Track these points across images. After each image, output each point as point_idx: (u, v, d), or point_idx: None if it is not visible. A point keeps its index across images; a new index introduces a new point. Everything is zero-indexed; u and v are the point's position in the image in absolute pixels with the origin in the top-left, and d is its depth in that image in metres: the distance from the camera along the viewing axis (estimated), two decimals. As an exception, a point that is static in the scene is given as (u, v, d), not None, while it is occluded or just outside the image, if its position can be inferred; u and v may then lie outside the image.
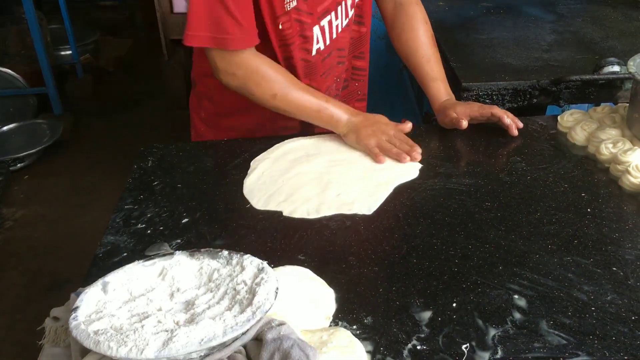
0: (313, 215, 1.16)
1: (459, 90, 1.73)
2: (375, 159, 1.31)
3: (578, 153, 1.33)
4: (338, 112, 1.35)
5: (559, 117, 1.43)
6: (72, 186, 3.45)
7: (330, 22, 1.37)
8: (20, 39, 4.02)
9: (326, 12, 1.36)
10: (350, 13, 1.42)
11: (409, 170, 1.29)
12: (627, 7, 2.26)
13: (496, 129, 1.45)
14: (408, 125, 1.38)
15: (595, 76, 1.65)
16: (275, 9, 1.29)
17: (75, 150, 3.82)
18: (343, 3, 1.38)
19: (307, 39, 1.36)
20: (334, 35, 1.40)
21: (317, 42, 1.38)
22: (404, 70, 2.84)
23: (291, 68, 1.39)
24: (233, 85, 1.33)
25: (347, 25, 1.42)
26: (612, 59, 1.66)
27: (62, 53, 4.49)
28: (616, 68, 1.64)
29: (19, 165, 3.59)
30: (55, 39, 4.28)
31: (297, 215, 1.16)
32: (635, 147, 1.24)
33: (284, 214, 1.17)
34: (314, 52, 1.39)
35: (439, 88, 1.49)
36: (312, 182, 1.26)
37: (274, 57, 1.36)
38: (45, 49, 3.82)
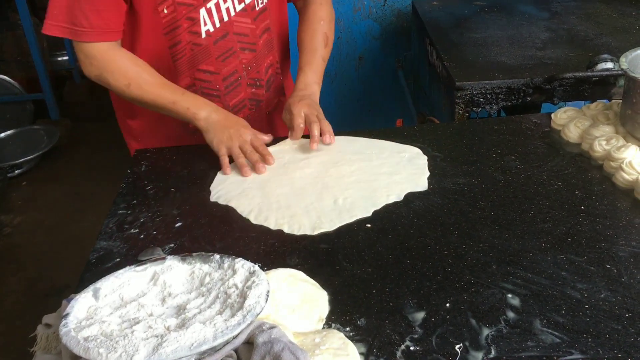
0: (317, 231, 1.12)
1: (453, 90, 1.73)
2: (222, 168, 1.31)
3: (572, 150, 1.33)
4: (194, 105, 1.36)
5: (552, 115, 1.43)
6: (70, 192, 3.45)
7: (217, 4, 1.39)
8: (16, 45, 4.02)
9: None
10: (248, 0, 1.43)
11: (418, 178, 1.25)
12: (620, 3, 2.26)
13: (489, 127, 1.44)
14: (267, 138, 1.37)
15: (589, 73, 1.65)
16: None
17: (73, 156, 3.83)
18: None
19: (195, 21, 1.38)
20: (225, 18, 1.41)
21: (205, 24, 1.39)
22: (399, 70, 2.84)
23: (181, 54, 1.40)
24: (92, 75, 1.36)
25: (243, 10, 1.43)
26: (605, 55, 1.66)
27: (59, 59, 4.50)
28: (610, 65, 1.64)
29: (16, 171, 3.59)
30: (51, 45, 4.28)
31: (300, 232, 1.12)
32: (629, 144, 1.24)
33: (286, 231, 1.13)
34: (203, 35, 1.40)
35: (299, 77, 1.49)
36: (307, 188, 1.25)
37: (161, 45, 1.38)
38: (41, 54, 3.82)
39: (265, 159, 1.32)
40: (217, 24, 1.40)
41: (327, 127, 1.38)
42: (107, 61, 1.34)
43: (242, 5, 1.42)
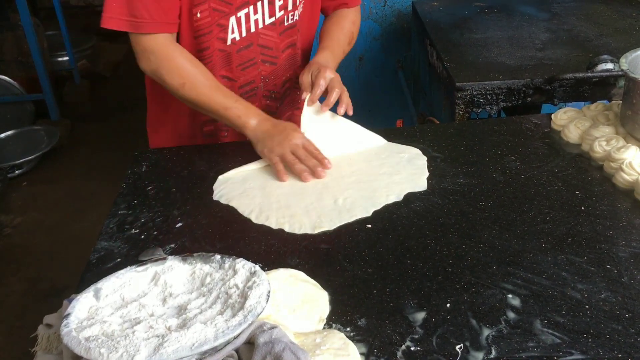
0: (317, 230, 1.12)
1: (453, 90, 1.74)
2: (278, 175, 1.28)
3: (572, 151, 1.33)
4: (246, 114, 1.34)
5: (552, 116, 1.43)
6: (70, 192, 3.45)
7: (247, 15, 1.38)
8: (17, 45, 4.02)
9: (244, 5, 1.37)
10: (279, 14, 1.42)
11: (417, 179, 1.25)
12: (620, 4, 2.26)
13: (489, 128, 1.45)
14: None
15: (589, 74, 1.65)
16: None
17: (73, 156, 3.83)
18: (265, 0, 1.39)
19: (223, 28, 1.37)
20: (252, 29, 1.41)
21: (232, 31, 1.39)
22: (399, 71, 2.84)
23: (208, 59, 1.40)
24: (148, 70, 1.35)
25: (272, 24, 1.43)
26: (605, 56, 1.66)
27: (59, 59, 4.50)
28: (610, 65, 1.64)
29: (17, 172, 3.59)
30: (51, 45, 4.29)
31: (300, 232, 1.12)
32: (629, 145, 1.24)
33: (287, 230, 1.13)
34: (228, 42, 1.40)
35: (320, 53, 1.46)
36: (307, 188, 1.24)
37: (190, 48, 1.37)
38: (41, 55, 3.82)
39: (322, 163, 1.29)
40: (244, 34, 1.40)
41: (347, 98, 1.35)
42: (165, 58, 1.32)
43: (273, 19, 1.42)
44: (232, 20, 1.37)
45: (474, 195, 1.19)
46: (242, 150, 1.41)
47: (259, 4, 1.38)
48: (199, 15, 1.33)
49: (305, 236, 1.11)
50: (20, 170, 3.60)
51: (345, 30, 1.54)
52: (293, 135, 1.30)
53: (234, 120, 1.35)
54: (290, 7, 1.43)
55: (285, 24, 1.45)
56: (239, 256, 0.93)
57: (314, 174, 1.27)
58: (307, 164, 1.28)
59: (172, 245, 1.10)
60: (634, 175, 1.17)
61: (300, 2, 1.45)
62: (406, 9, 2.73)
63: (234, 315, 0.80)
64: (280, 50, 1.47)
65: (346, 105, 1.34)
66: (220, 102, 1.34)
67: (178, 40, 1.37)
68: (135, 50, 1.34)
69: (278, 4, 1.40)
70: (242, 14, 1.37)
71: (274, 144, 1.30)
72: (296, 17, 1.47)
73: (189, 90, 1.33)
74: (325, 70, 1.35)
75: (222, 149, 1.46)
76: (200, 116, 1.48)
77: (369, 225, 1.13)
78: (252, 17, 1.39)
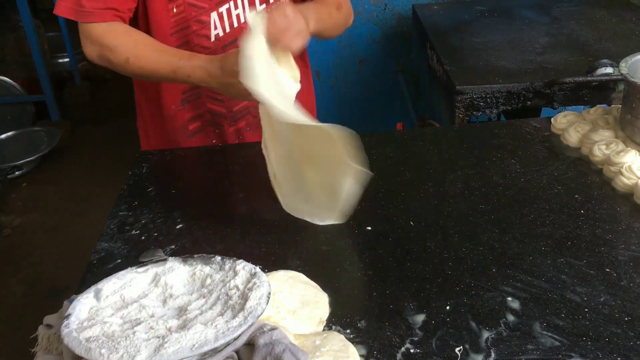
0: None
1: (453, 93, 1.74)
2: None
3: (571, 155, 1.34)
4: (195, 71, 1.24)
5: (552, 119, 1.44)
6: (70, 193, 3.45)
7: (229, 10, 1.38)
8: (18, 46, 4.03)
9: (225, 0, 1.37)
10: (260, 7, 1.41)
11: None
12: (620, 8, 2.27)
13: (489, 131, 1.45)
14: None
15: (589, 78, 1.66)
16: None
17: (73, 158, 3.83)
18: None
19: (205, 24, 1.37)
20: (235, 24, 1.40)
21: (215, 27, 1.39)
22: (400, 74, 2.85)
23: None
24: (93, 55, 1.33)
25: None
26: (605, 60, 1.67)
27: (60, 60, 4.51)
28: (609, 70, 1.64)
29: (17, 172, 3.59)
30: (52, 47, 4.30)
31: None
32: (629, 148, 1.24)
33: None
34: (212, 38, 1.39)
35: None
36: None
37: (167, 44, 1.35)
38: (42, 56, 3.83)
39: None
40: (227, 29, 1.40)
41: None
42: (106, 38, 1.30)
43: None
44: (214, 15, 1.37)
45: (473, 198, 1.20)
46: (243, 152, 1.42)
47: None
48: (174, 10, 1.33)
49: (306, 238, 1.11)
50: (20, 171, 3.61)
51: (329, 8, 1.42)
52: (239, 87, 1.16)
53: (185, 80, 1.29)
54: None
55: None
56: (239, 258, 0.94)
57: None
58: None
59: (173, 247, 1.11)
60: (634, 179, 1.17)
61: None
62: (407, 13, 2.74)
63: (234, 317, 0.80)
64: None
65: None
66: (166, 67, 1.28)
67: (154, 35, 1.35)
68: (82, 39, 1.33)
69: None
70: (223, 9, 1.37)
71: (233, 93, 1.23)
72: None
73: (132, 64, 1.30)
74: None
75: (222, 151, 1.46)
76: (184, 114, 1.47)
77: (369, 228, 1.13)
78: (234, 12, 1.39)
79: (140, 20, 1.37)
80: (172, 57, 1.28)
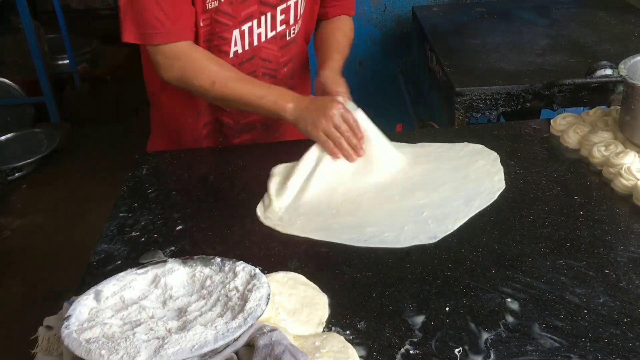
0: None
1: (452, 95, 1.74)
2: (331, 153, 1.26)
3: (571, 156, 1.34)
4: (282, 98, 1.31)
5: (551, 121, 1.44)
6: (70, 195, 3.45)
7: (251, 29, 1.39)
8: (17, 48, 4.03)
9: (249, 18, 1.38)
10: (280, 28, 1.43)
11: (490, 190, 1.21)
12: (619, 10, 2.28)
13: (489, 133, 1.45)
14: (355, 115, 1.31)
15: (588, 80, 1.66)
16: (198, 7, 1.31)
17: (73, 159, 3.83)
18: (268, 14, 1.40)
19: (226, 41, 1.38)
20: (255, 43, 1.41)
21: (235, 44, 1.39)
22: (399, 76, 2.85)
23: None
24: (173, 78, 1.33)
25: (273, 37, 1.44)
26: (604, 62, 1.67)
27: (60, 62, 4.51)
28: (609, 71, 1.65)
29: (16, 174, 3.59)
30: (52, 48, 4.30)
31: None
32: (628, 150, 1.24)
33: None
34: (231, 54, 1.40)
35: (328, 64, 1.46)
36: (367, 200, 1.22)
37: None
38: (42, 58, 3.83)
39: (360, 141, 1.27)
40: (247, 47, 1.40)
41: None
42: (189, 61, 1.31)
43: (274, 32, 1.43)
44: (236, 33, 1.37)
45: (473, 200, 1.20)
46: (243, 153, 1.42)
47: (262, 17, 1.39)
48: (201, 24, 1.33)
49: (306, 239, 1.11)
50: (20, 173, 3.61)
51: (348, 36, 1.57)
52: (332, 105, 1.28)
53: (271, 107, 1.32)
54: (292, 21, 1.44)
55: (287, 38, 1.46)
56: (239, 259, 0.94)
57: (348, 157, 1.27)
58: (350, 142, 1.27)
59: (172, 248, 1.11)
60: (633, 181, 1.17)
61: (300, 16, 1.46)
62: (406, 14, 2.75)
63: (234, 318, 0.80)
64: (280, 64, 1.48)
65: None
66: (254, 92, 1.32)
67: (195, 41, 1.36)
68: (156, 62, 1.32)
69: (280, 18, 1.41)
70: (245, 27, 1.38)
71: (314, 117, 1.27)
72: (296, 31, 1.47)
73: (220, 88, 1.32)
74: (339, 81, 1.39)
75: (222, 152, 1.47)
76: (203, 117, 1.48)
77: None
78: (255, 31, 1.40)
79: None
80: (261, 84, 1.35)
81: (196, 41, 1.36)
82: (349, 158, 1.27)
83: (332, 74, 1.41)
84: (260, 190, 1.26)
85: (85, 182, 3.54)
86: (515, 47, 1.98)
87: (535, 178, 1.26)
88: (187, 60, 1.31)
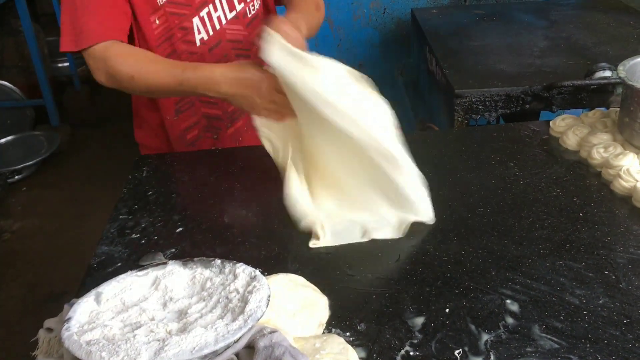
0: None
1: (452, 97, 1.75)
2: (278, 121, 1.21)
3: (570, 158, 1.34)
4: (202, 82, 1.23)
5: (551, 123, 1.44)
6: (70, 197, 3.45)
7: (209, 14, 1.40)
8: (17, 51, 4.04)
9: (204, 4, 1.39)
10: (239, 7, 1.43)
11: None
12: (618, 12, 2.28)
13: (488, 135, 1.45)
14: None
15: (587, 81, 1.66)
16: (147, 7, 1.33)
17: (73, 162, 3.83)
18: None
19: (188, 30, 1.39)
20: (217, 26, 1.42)
21: (199, 32, 1.40)
22: (399, 78, 2.86)
23: None
24: (103, 79, 1.32)
25: (235, 17, 1.43)
26: (603, 64, 1.67)
27: (60, 65, 4.51)
28: (608, 73, 1.65)
29: (16, 177, 3.60)
30: (52, 51, 4.30)
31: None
32: (627, 151, 1.25)
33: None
34: (197, 43, 1.41)
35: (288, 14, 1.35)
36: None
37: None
38: (42, 61, 3.84)
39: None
40: (211, 32, 1.41)
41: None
42: (108, 58, 1.29)
43: (234, 12, 1.44)
44: (196, 20, 1.39)
45: (472, 201, 1.20)
46: (242, 155, 1.42)
47: (217, 0, 1.40)
48: (157, 22, 1.35)
49: (305, 242, 1.11)
50: (20, 176, 3.61)
51: (319, 5, 1.46)
52: (260, 82, 1.19)
53: (192, 93, 1.30)
54: None
55: (249, 15, 1.46)
56: (239, 261, 0.94)
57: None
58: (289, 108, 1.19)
59: (173, 250, 1.11)
60: (632, 182, 1.17)
61: None
62: (406, 17, 2.75)
63: (234, 320, 0.80)
64: (251, 42, 1.44)
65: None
66: (171, 80, 1.26)
67: (143, 47, 1.37)
68: (90, 67, 1.32)
69: None
70: (203, 13, 1.39)
71: (249, 100, 1.21)
72: (256, 6, 1.47)
73: (138, 81, 1.28)
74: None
75: (222, 154, 1.47)
76: (180, 124, 1.48)
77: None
78: (214, 15, 1.40)
79: (133, 38, 1.38)
80: (176, 69, 1.27)
81: (153, 41, 1.36)
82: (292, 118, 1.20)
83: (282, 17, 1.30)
84: (260, 192, 1.27)
85: (85, 185, 3.55)
86: (514, 49, 1.98)
87: (535, 179, 1.26)
88: (107, 58, 1.29)
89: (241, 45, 1.47)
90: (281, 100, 1.19)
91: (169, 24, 1.37)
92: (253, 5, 1.47)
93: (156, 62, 1.30)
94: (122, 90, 1.34)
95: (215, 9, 1.41)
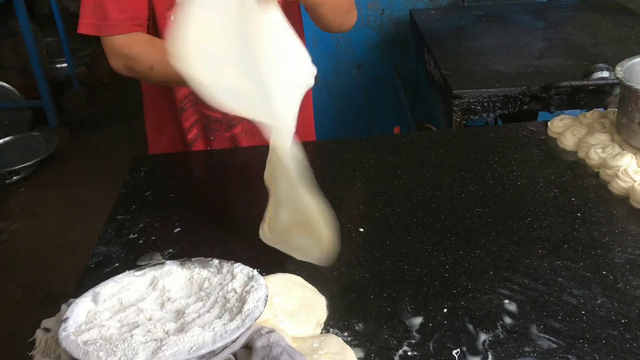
0: None
1: (450, 97, 1.75)
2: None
3: (568, 158, 1.34)
4: None
5: (548, 123, 1.44)
6: (68, 198, 3.45)
7: None
8: (16, 52, 4.04)
9: None
10: None
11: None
12: (616, 13, 2.28)
13: (486, 135, 1.46)
14: None
15: (585, 82, 1.67)
16: (165, 2, 1.34)
17: (71, 163, 3.83)
18: None
19: None
20: None
21: None
22: (397, 78, 2.86)
23: None
24: (121, 68, 1.36)
25: None
26: (601, 64, 1.68)
27: (58, 66, 4.51)
28: (605, 74, 1.65)
29: (14, 177, 3.59)
30: (50, 52, 4.30)
31: None
32: (625, 152, 1.25)
33: None
34: None
35: None
36: None
37: None
38: (40, 61, 3.84)
39: None
40: None
41: None
42: (129, 48, 1.33)
43: None
44: None
45: (470, 202, 1.20)
46: (240, 156, 1.42)
47: None
48: (172, 18, 1.34)
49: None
50: (18, 177, 3.61)
51: None
52: None
53: None
54: None
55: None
56: (237, 261, 0.94)
57: None
58: None
59: (171, 250, 1.11)
60: (629, 182, 1.17)
61: None
62: (404, 18, 2.75)
63: (232, 319, 0.80)
64: None
65: None
66: None
67: None
68: (108, 53, 1.37)
69: None
70: None
71: None
72: None
73: (158, 71, 1.31)
74: None
75: (220, 154, 1.47)
76: (182, 123, 1.48)
77: (361, 230, 1.13)
78: None
79: (150, 30, 1.39)
80: None
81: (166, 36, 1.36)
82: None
83: None
84: (257, 193, 1.26)
85: (83, 186, 3.54)
86: (512, 50, 1.98)
87: (533, 180, 1.26)
88: (127, 48, 1.33)
89: None
90: None
91: None
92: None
93: None
94: (137, 79, 1.38)
95: None
